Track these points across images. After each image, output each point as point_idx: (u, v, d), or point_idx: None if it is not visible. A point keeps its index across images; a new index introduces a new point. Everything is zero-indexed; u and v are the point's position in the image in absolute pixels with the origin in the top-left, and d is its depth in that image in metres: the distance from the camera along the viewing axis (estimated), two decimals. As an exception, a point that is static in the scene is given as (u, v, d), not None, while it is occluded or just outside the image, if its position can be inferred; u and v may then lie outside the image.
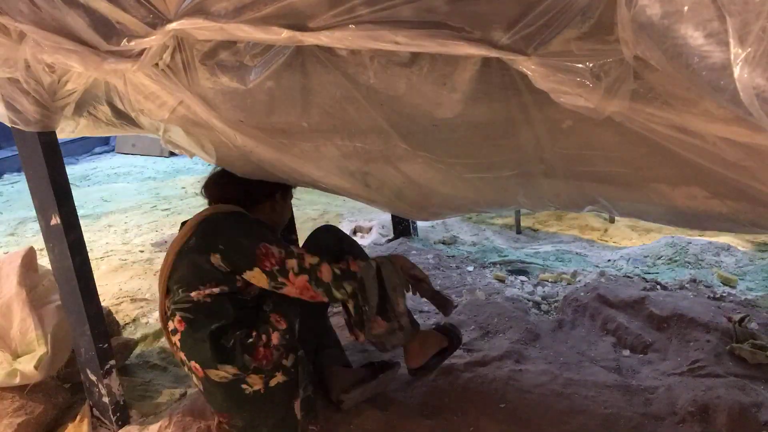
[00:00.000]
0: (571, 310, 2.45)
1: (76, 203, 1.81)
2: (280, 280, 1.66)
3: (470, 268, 2.99)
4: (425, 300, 1.98)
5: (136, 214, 4.50)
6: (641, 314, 2.31)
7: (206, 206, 1.91)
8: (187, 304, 1.68)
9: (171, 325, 1.73)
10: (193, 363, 1.70)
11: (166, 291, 1.75)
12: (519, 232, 3.63)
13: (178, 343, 1.72)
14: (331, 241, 1.96)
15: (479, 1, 0.86)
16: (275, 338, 1.68)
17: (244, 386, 1.68)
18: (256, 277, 1.67)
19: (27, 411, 1.92)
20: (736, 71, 0.66)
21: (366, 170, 1.57)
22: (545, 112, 1.10)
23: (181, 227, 1.85)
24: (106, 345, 1.92)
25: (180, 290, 1.70)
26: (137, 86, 1.46)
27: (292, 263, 1.66)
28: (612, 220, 3.67)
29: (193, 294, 1.67)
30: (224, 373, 1.66)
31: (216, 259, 1.67)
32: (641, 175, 1.25)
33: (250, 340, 1.66)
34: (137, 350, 2.40)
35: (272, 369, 1.69)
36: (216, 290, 1.68)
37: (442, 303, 1.93)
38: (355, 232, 3.73)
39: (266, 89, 1.24)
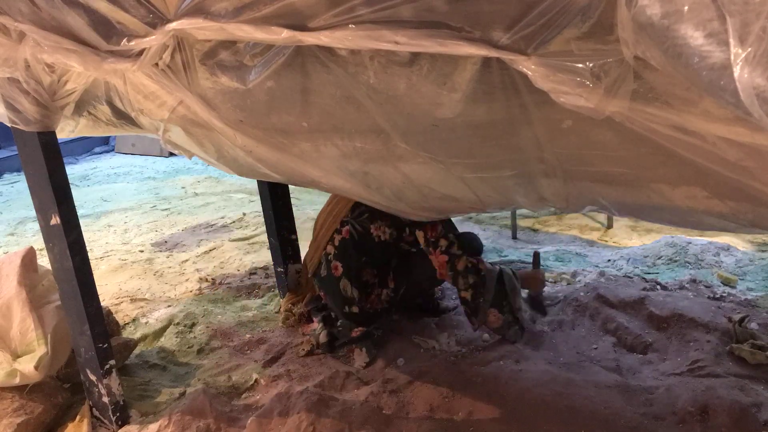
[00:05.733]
0: (571, 310, 2.45)
1: (76, 203, 1.81)
2: (430, 248, 2.16)
3: (470, 268, 2.99)
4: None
5: (136, 214, 4.50)
6: (641, 314, 2.31)
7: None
8: (360, 228, 2.22)
9: (340, 229, 2.25)
10: (336, 262, 2.24)
11: (352, 208, 2.24)
12: (515, 237, 3.62)
13: (336, 242, 2.24)
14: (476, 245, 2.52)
15: (479, 1, 0.86)
16: (384, 294, 2.27)
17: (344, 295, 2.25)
18: (420, 236, 2.17)
19: (27, 411, 1.92)
20: (736, 71, 0.66)
21: (366, 170, 1.57)
22: (545, 112, 1.10)
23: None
24: (106, 345, 1.92)
25: (364, 214, 2.22)
26: (137, 86, 1.46)
27: (444, 243, 2.14)
28: (610, 225, 3.65)
29: (372, 226, 2.21)
30: (348, 288, 2.23)
31: None
32: (641, 175, 1.25)
33: (368, 288, 2.25)
34: (137, 350, 2.40)
35: (369, 308, 2.27)
36: (388, 231, 2.22)
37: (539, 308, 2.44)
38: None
39: (266, 89, 1.24)
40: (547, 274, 2.86)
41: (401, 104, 1.17)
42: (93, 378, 1.93)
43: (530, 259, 3.09)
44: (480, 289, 2.14)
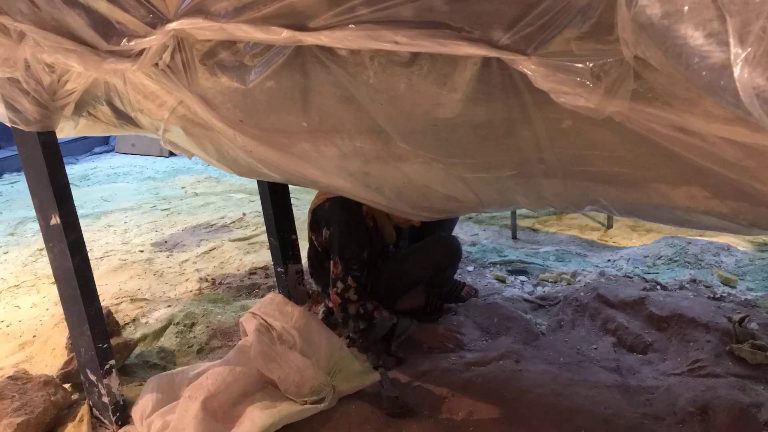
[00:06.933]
0: (571, 310, 2.45)
1: (76, 203, 1.81)
2: (330, 283, 2.18)
3: (470, 268, 2.99)
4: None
5: (136, 214, 4.50)
6: (641, 314, 2.31)
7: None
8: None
9: None
10: None
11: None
12: (515, 237, 3.61)
13: None
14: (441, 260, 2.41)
15: (479, 1, 0.86)
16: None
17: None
18: (330, 266, 2.18)
19: (27, 411, 1.91)
20: (736, 71, 0.66)
21: (366, 170, 1.57)
22: (545, 112, 1.10)
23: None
24: (106, 345, 1.92)
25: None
26: (137, 86, 1.46)
27: (339, 285, 2.14)
28: (610, 225, 3.65)
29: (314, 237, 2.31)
30: None
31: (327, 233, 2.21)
32: (641, 175, 1.25)
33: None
34: (137, 350, 2.40)
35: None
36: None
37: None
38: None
39: (266, 89, 1.24)
40: (547, 274, 2.86)
41: (401, 104, 1.17)
42: (93, 378, 1.93)
43: (530, 259, 3.09)
44: (367, 333, 2.18)
